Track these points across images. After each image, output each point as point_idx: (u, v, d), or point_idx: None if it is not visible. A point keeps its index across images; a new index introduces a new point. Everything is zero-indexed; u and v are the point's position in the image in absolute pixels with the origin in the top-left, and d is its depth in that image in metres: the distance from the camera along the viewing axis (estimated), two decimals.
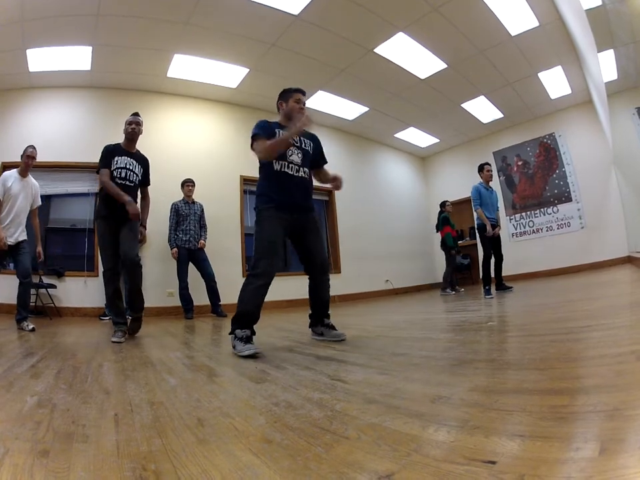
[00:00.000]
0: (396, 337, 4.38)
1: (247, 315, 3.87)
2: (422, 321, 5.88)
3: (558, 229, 13.20)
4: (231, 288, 8.73)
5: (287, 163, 4.15)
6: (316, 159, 4.55)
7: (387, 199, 15.06)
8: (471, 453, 1.26)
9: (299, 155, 4.27)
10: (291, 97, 4.31)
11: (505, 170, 14.45)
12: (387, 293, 13.81)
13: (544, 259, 13.11)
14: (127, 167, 5.59)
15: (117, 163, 5.53)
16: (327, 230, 13.41)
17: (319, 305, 4.53)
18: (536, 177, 13.72)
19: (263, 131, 4.09)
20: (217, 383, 2.75)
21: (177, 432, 1.72)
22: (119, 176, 5.49)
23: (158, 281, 9.45)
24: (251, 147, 4.15)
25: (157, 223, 8.89)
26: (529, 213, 13.84)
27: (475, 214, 8.86)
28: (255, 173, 4.52)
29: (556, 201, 13.27)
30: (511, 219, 14.09)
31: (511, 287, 8.78)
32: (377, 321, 6.54)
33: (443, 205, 11.66)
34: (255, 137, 4.08)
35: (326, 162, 4.71)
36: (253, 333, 3.88)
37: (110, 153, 5.60)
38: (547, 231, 13.45)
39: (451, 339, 4.03)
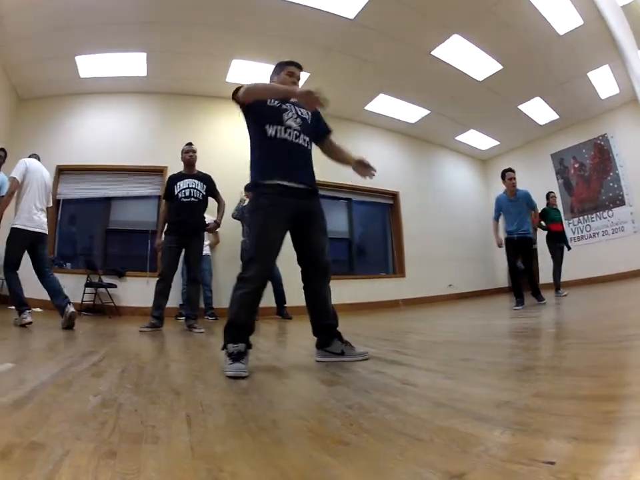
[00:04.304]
0: (461, 343, 4.43)
1: (238, 325, 3.31)
2: (485, 327, 5.97)
3: (613, 233, 12.84)
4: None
5: (283, 128, 3.53)
6: (317, 126, 3.89)
7: (449, 203, 14.93)
8: (533, 454, 1.31)
9: (297, 120, 3.64)
10: (284, 69, 3.81)
11: (563, 172, 14.12)
12: (450, 297, 13.61)
13: (601, 264, 12.64)
14: (190, 186, 6.55)
15: (179, 187, 6.52)
16: (391, 234, 13.44)
17: (330, 318, 3.74)
18: (591, 179, 13.37)
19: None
20: (287, 384, 2.78)
21: (251, 433, 1.72)
22: (183, 196, 6.48)
23: (227, 282, 9.53)
24: (233, 96, 3.60)
25: (227, 228, 9.09)
26: (586, 217, 13.49)
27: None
28: None
29: (611, 205, 12.91)
30: (569, 223, 13.64)
31: (544, 300, 8.27)
32: (442, 325, 6.62)
33: (547, 197, 10.83)
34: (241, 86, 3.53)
35: (330, 129, 3.99)
36: (249, 346, 3.29)
37: (169, 183, 6.70)
38: (602, 235, 13.10)
39: (514, 345, 4.09)
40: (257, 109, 3.54)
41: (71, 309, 5.81)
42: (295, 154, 3.62)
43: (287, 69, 3.81)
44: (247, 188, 3.63)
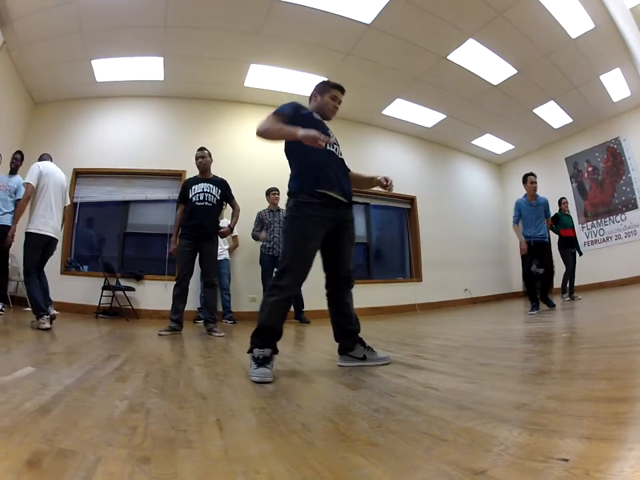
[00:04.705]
0: (479, 347, 4.50)
1: (268, 330, 3.35)
2: (502, 332, 6.02)
3: (626, 237, 12.66)
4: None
5: (331, 143, 3.68)
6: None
7: (464, 207, 14.87)
8: (549, 453, 1.42)
9: (334, 140, 3.79)
10: (329, 92, 3.90)
11: (577, 176, 14.00)
12: (466, 302, 13.59)
13: (614, 269, 12.46)
14: (204, 190, 6.65)
15: (193, 191, 6.64)
16: (408, 238, 13.43)
17: (353, 323, 3.78)
18: (605, 183, 13.22)
19: (289, 112, 3.64)
20: (313, 389, 2.86)
21: (283, 436, 1.76)
22: (197, 200, 6.58)
23: (245, 286, 9.74)
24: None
25: (246, 232, 9.17)
26: (599, 220, 13.33)
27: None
28: None
29: (624, 208, 12.73)
30: (583, 227, 13.56)
31: (554, 305, 8.28)
32: (460, 330, 6.64)
33: (559, 202, 10.93)
34: (276, 113, 3.59)
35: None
36: (275, 351, 3.34)
37: (184, 187, 6.84)
38: (616, 239, 12.92)
39: (530, 350, 4.17)
40: (309, 124, 3.53)
41: (52, 311, 6.28)
42: (342, 167, 3.79)
43: (332, 92, 3.91)
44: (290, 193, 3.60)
